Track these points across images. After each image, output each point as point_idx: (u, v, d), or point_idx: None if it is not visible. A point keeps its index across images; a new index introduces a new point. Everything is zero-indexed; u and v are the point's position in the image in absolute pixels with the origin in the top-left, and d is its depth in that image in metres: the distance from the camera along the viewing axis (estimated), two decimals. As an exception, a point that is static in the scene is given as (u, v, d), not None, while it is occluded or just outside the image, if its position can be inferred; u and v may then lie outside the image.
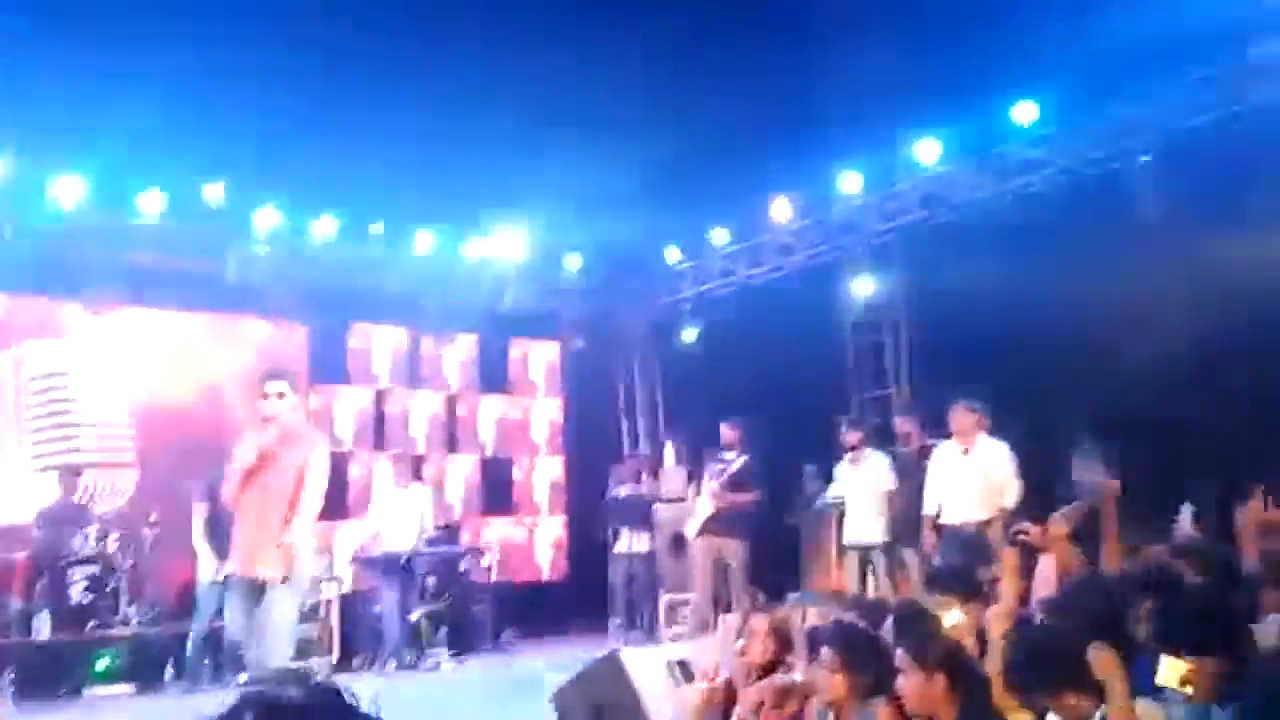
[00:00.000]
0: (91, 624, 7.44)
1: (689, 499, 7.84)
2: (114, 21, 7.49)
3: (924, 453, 6.85)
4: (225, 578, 5.29)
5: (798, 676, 3.43)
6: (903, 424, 7.46)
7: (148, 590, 8.00)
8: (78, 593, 7.54)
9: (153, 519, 8.02)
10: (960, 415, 6.33)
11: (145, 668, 7.29)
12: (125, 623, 7.63)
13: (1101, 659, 2.19)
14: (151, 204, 8.55)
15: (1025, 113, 7.97)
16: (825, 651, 2.99)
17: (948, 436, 6.59)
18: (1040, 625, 2.93)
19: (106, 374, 8.92)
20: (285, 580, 4.53)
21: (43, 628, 7.26)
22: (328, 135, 8.41)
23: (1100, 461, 4.89)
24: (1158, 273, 6.73)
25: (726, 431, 7.58)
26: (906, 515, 6.95)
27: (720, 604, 7.20)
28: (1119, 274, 6.90)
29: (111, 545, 7.78)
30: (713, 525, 7.37)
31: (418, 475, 9.36)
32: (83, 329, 8.85)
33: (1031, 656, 2.36)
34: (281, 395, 4.75)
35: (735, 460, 7.40)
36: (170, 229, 8.73)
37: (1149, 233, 7.01)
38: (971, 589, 3.74)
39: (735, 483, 7.33)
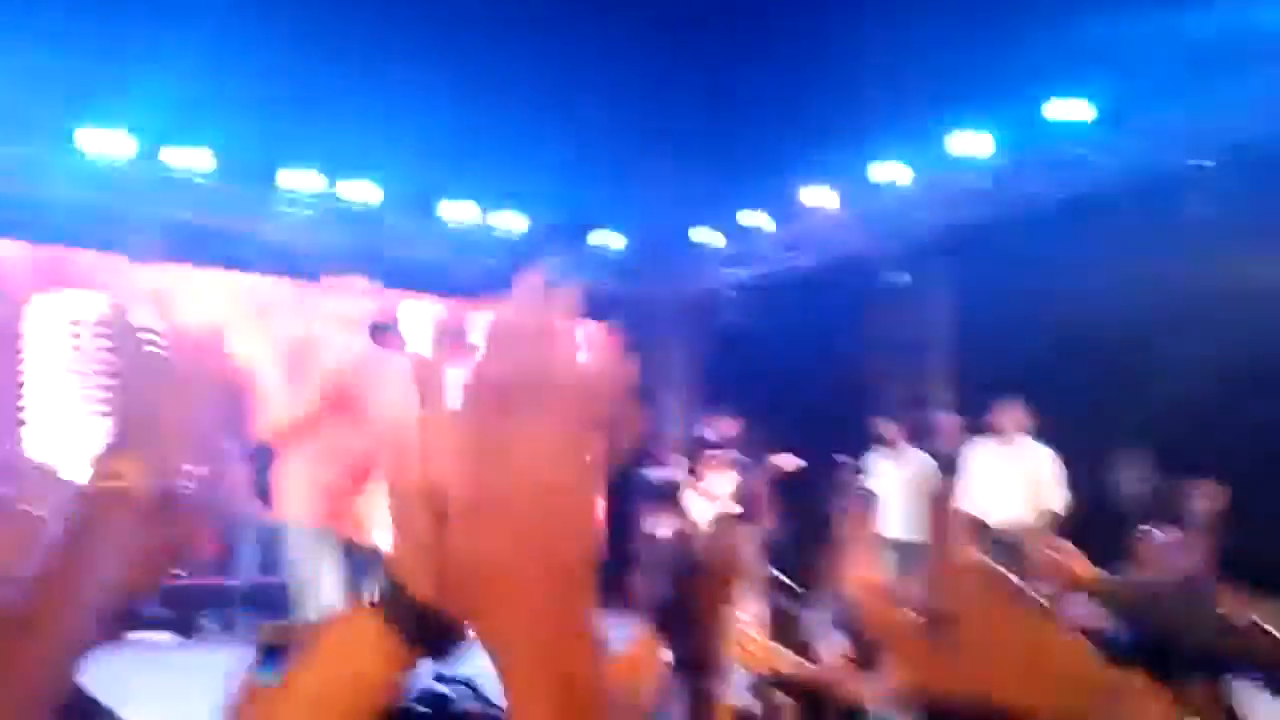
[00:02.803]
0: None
1: (694, 485, 7.87)
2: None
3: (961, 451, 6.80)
4: (291, 529, 4.42)
5: None
6: (942, 420, 7.41)
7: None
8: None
9: (193, 471, 8.08)
10: (1006, 413, 6.27)
11: (185, 616, 7.42)
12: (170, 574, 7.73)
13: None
14: (198, 161, 8.58)
15: (1080, 110, 7.86)
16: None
17: (988, 435, 6.54)
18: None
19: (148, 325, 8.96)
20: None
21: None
22: (369, 101, 8.42)
23: (1147, 472, 4.83)
24: (1212, 280, 6.63)
25: (724, 421, 7.62)
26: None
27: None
28: (1172, 279, 6.81)
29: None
30: (732, 514, 7.42)
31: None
32: (125, 281, 8.92)
33: None
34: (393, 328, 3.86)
35: (740, 454, 7.46)
36: (213, 187, 8.76)
37: (1204, 239, 6.90)
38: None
39: (750, 479, 7.39)
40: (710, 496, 7.59)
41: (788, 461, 7.31)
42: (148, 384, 1.02)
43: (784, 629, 3.77)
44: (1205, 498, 4.29)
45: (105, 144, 8.20)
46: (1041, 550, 3.22)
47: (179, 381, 1.03)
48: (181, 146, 8.58)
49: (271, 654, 1.19)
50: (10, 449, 7.72)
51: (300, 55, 8.41)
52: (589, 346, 0.61)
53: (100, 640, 0.96)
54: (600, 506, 0.65)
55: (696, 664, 1.31)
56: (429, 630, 0.58)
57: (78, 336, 8.64)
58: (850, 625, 3.68)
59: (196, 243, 8.93)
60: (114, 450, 0.98)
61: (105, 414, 0.99)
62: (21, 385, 8.37)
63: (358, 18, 8.79)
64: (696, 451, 8.00)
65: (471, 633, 0.57)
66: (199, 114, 8.38)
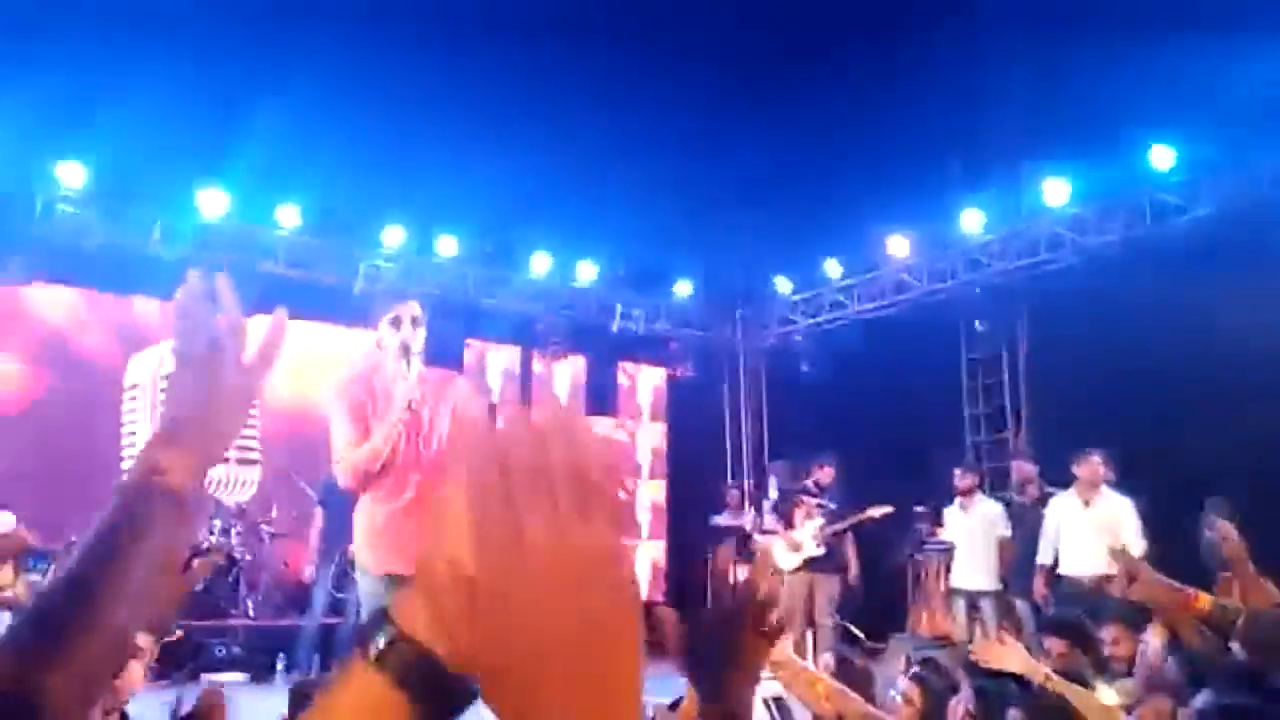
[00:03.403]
0: (212, 613, 7.80)
1: (782, 534, 7.79)
2: (251, 39, 7.93)
3: (1041, 501, 6.65)
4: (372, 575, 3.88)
5: None
6: (1020, 469, 7.25)
7: (263, 583, 8.34)
8: (200, 581, 7.92)
9: (273, 515, 8.37)
10: (1086, 465, 6.13)
11: (258, 657, 7.59)
12: (243, 614, 7.97)
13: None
14: (288, 217, 8.99)
15: (1162, 157, 7.71)
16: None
17: (1066, 485, 6.40)
18: None
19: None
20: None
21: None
22: (453, 157, 8.71)
23: (1230, 522, 4.64)
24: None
25: (822, 470, 7.55)
26: (1018, 563, 6.75)
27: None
28: (1254, 327, 6.59)
29: (233, 538, 8.15)
30: (811, 563, 7.37)
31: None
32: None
33: None
34: (416, 322, 3.47)
35: (831, 501, 7.39)
36: (304, 242, 9.17)
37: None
38: (1084, 641, 3.62)
39: (840, 527, 7.31)
40: (793, 544, 7.54)
41: (879, 510, 7.24)
42: (204, 379, 0.97)
43: (850, 678, 3.73)
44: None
45: (208, 202, 8.65)
46: (1155, 577, 3.11)
47: (238, 379, 0.99)
48: (274, 203, 8.97)
49: (301, 703, 1.21)
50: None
51: (389, 114, 8.80)
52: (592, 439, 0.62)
53: (126, 652, 0.94)
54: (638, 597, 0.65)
55: (721, 707, 1.31)
56: (439, 691, 0.57)
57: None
58: (928, 673, 3.62)
59: (284, 296, 9.28)
60: (161, 442, 0.94)
61: (161, 400, 0.98)
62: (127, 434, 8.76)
63: (445, 77, 9.17)
64: (787, 498, 7.95)
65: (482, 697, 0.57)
66: (291, 172, 8.79)
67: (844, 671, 3.88)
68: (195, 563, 1.05)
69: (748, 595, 1.38)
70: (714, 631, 1.36)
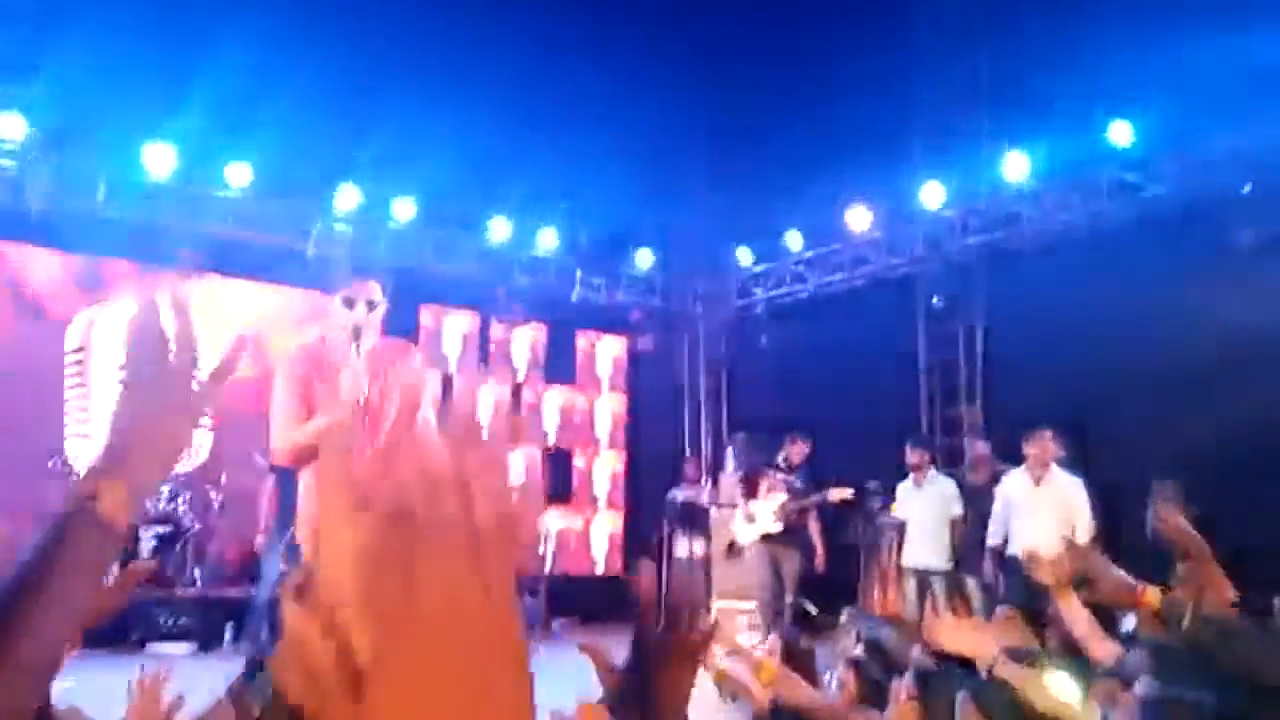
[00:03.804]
0: (158, 582, 7.67)
1: (742, 505, 7.78)
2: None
3: (994, 480, 6.69)
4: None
5: None
6: (975, 447, 7.30)
7: (212, 553, 8.21)
8: (147, 551, 7.77)
9: (221, 482, 8.22)
10: (1037, 443, 6.16)
11: (207, 628, 7.49)
12: (191, 583, 7.85)
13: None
14: (239, 176, 8.74)
15: (1120, 134, 7.72)
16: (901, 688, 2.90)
17: (1019, 463, 6.43)
18: None
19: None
20: None
21: (112, 582, 7.50)
22: (409, 120, 8.52)
23: (1176, 507, 4.67)
24: (1252, 307, 6.47)
25: (795, 446, 7.54)
26: (970, 542, 6.81)
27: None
28: (1211, 306, 6.65)
29: (181, 507, 8.00)
30: (769, 539, 7.39)
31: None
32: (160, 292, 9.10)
33: None
34: (372, 305, 3.37)
35: (797, 479, 7.40)
36: (255, 202, 8.92)
37: (1244, 264, 6.74)
38: (1035, 623, 3.62)
39: (800, 505, 7.33)
40: (749, 516, 7.55)
41: (841, 494, 7.26)
42: (153, 402, 0.95)
43: (796, 660, 3.71)
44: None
45: (155, 159, 8.36)
46: (1108, 572, 3.09)
47: (184, 405, 0.97)
48: (225, 162, 8.72)
49: (257, 667, 1.19)
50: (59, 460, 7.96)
51: (345, 74, 8.57)
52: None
53: (56, 663, 0.96)
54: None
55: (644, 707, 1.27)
56: None
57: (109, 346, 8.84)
58: (867, 656, 3.61)
59: (235, 256, 9.08)
60: (101, 469, 0.93)
61: (103, 423, 0.97)
62: (69, 397, 8.57)
63: (404, 37, 8.95)
64: (755, 469, 7.95)
65: None
66: (243, 130, 8.54)
67: (791, 652, 3.87)
68: (124, 575, 1.03)
69: (676, 625, 1.33)
70: (643, 672, 1.31)
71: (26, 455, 7.65)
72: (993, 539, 6.38)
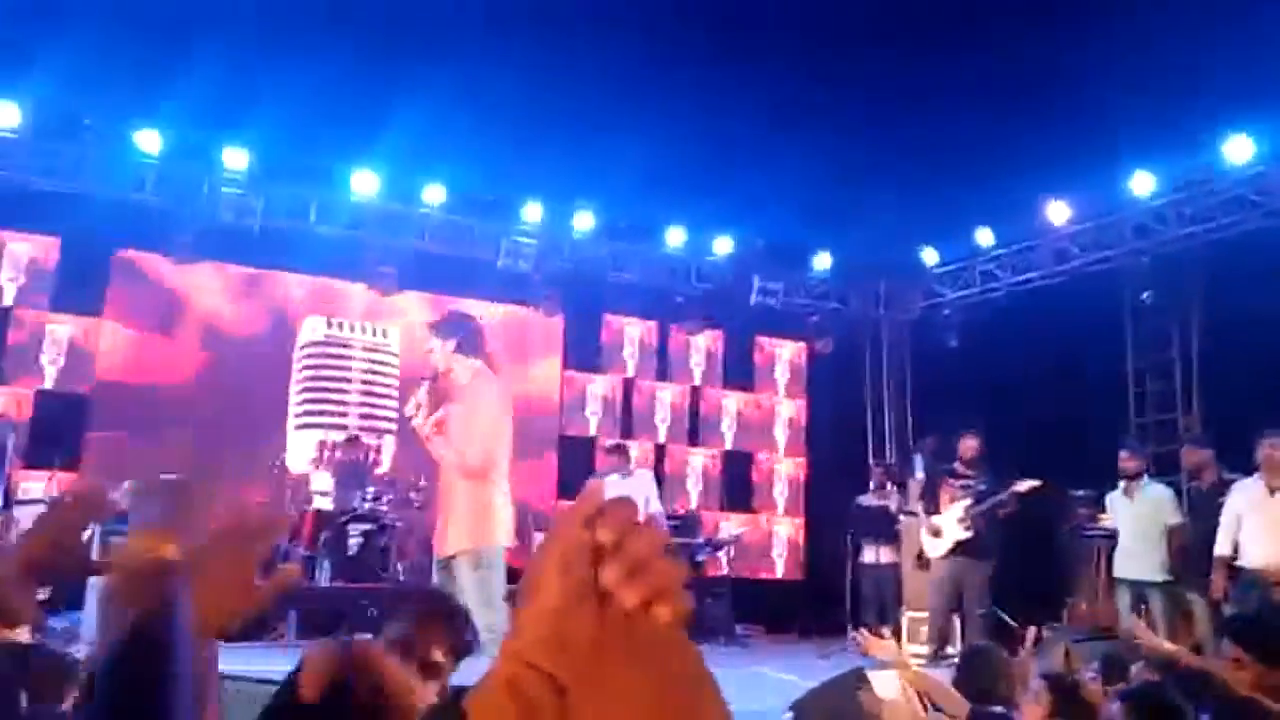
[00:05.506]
0: (364, 577, 8.14)
1: (925, 521, 7.48)
2: (395, 35, 8.15)
3: (1220, 487, 6.14)
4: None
5: None
6: (1192, 454, 6.73)
7: (412, 549, 8.64)
8: (354, 546, 8.28)
9: (421, 483, 8.65)
10: (1269, 449, 5.62)
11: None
12: (393, 578, 8.28)
13: None
14: (434, 196, 9.24)
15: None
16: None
17: (1247, 471, 5.89)
18: None
19: (382, 350, 9.79)
20: (467, 554, 3.98)
21: (323, 575, 8.04)
22: (590, 132, 8.74)
23: None
24: None
25: (965, 442, 7.21)
26: (1190, 554, 6.28)
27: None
28: None
29: (384, 505, 8.47)
30: (960, 547, 7.08)
31: (659, 463, 9.57)
32: (364, 309, 9.72)
33: None
34: (429, 351, 4.21)
35: (979, 480, 7.06)
36: (449, 219, 9.42)
37: None
38: (1275, 646, 3.29)
39: (985, 507, 6.98)
40: (935, 530, 7.28)
41: (1025, 484, 6.87)
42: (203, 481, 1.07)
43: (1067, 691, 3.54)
44: None
45: (360, 182, 8.97)
46: None
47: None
48: (419, 182, 9.24)
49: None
50: (273, 460, 8.71)
51: (530, 96, 8.88)
52: None
53: None
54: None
55: None
56: None
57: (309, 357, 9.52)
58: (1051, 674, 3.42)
59: (433, 271, 9.57)
60: (160, 529, 1.00)
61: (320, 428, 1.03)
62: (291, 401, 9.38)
63: (583, 60, 9.18)
64: (932, 480, 7.69)
65: None
66: (435, 153, 9.03)
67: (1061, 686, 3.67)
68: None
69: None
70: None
71: (257, 460, 8.66)
72: (1220, 549, 5.86)
